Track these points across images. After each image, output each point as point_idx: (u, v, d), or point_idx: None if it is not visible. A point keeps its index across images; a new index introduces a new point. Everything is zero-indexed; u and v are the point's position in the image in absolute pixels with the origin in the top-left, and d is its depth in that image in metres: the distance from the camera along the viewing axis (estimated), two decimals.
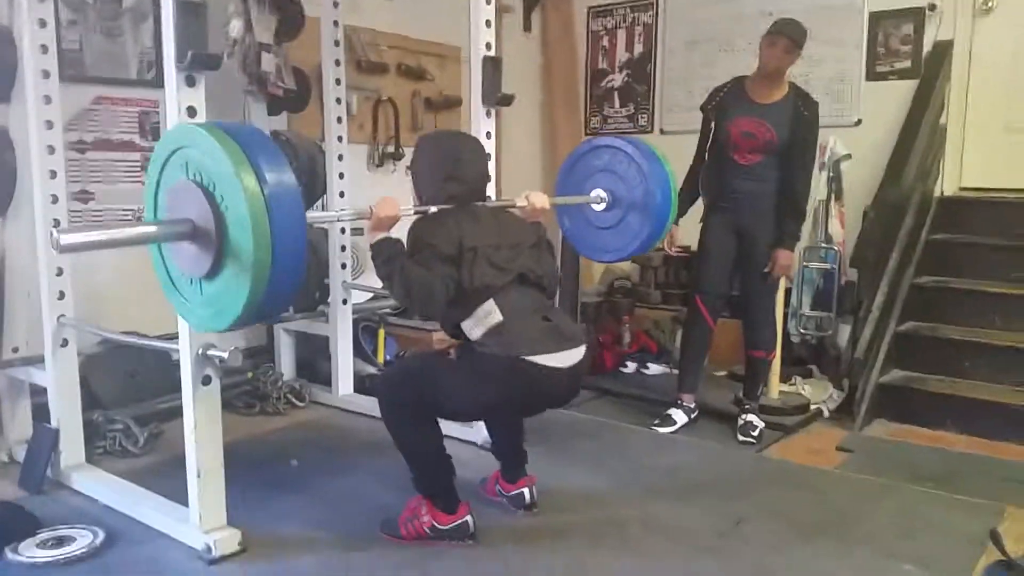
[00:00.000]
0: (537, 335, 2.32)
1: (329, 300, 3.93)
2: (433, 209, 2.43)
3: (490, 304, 2.31)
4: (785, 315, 4.12)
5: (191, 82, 2.23)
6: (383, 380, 2.75)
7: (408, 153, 4.71)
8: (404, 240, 2.37)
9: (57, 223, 2.85)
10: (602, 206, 3.10)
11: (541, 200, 2.69)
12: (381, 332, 4.36)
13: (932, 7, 4.58)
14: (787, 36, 3.39)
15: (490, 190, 2.72)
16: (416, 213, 2.45)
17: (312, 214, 2.04)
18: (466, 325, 2.33)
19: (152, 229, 2.00)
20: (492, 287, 2.33)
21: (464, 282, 2.29)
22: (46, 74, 2.82)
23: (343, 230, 3.85)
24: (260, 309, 1.90)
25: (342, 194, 3.82)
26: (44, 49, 2.82)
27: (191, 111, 2.23)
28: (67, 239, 1.85)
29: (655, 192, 2.98)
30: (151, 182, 2.07)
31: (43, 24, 2.82)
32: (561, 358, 2.31)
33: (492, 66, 3.07)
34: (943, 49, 4.61)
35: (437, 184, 2.47)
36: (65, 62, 3.30)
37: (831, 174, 4.30)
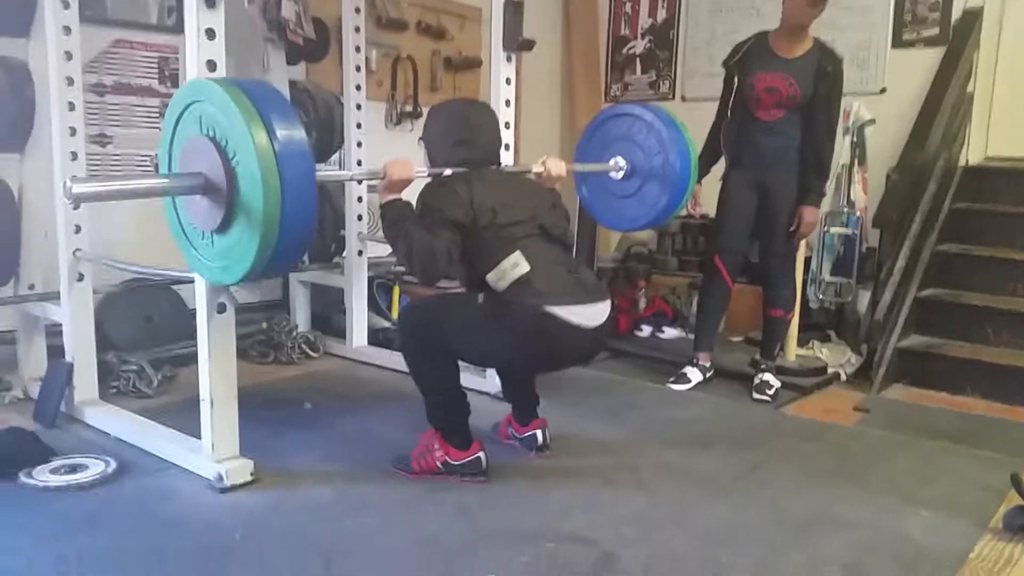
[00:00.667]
0: (563, 287, 2.29)
1: (344, 252, 3.91)
2: (447, 172, 2.40)
3: (517, 255, 2.28)
4: (805, 281, 4.07)
5: (211, 4, 2.20)
6: (406, 312, 2.74)
7: (426, 112, 4.69)
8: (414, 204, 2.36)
9: (75, 156, 2.84)
10: (620, 174, 3.07)
11: (558, 167, 2.65)
12: (396, 288, 4.35)
13: None
14: None
15: (507, 158, 2.69)
16: (429, 175, 2.43)
17: (324, 172, 2.05)
18: (491, 277, 2.30)
19: (165, 182, 2.03)
20: (516, 239, 2.30)
21: (486, 237, 2.28)
22: (66, 4, 2.80)
23: (359, 181, 3.82)
24: (269, 264, 1.93)
25: (359, 144, 3.80)
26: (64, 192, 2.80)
27: (211, 65, 2.19)
28: (80, 188, 1.87)
29: (675, 161, 2.95)
30: (166, 135, 2.08)
31: None
32: (587, 314, 2.29)
33: (513, 10, 3.04)
34: (973, 16, 4.53)
35: (447, 150, 2.45)
36: (85, 2, 3.30)
37: (855, 139, 4.24)
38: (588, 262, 4.53)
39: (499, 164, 2.57)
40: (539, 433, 2.67)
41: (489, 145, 2.51)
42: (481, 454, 2.44)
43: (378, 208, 2.39)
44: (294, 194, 1.85)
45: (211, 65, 2.19)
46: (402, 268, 4.36)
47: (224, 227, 1.94)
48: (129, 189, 2.18)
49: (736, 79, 3.51)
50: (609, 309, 2.38)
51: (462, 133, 2.45)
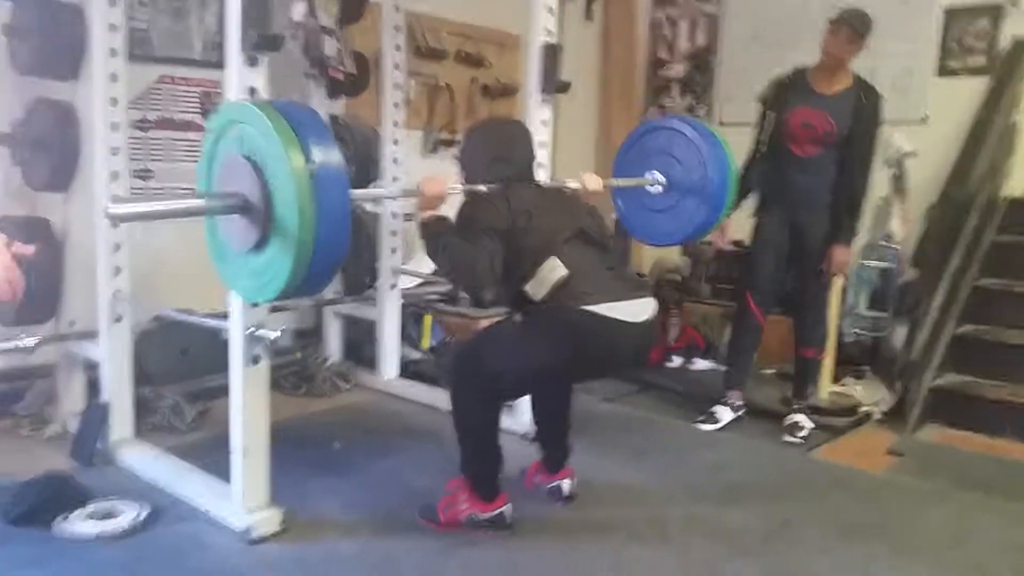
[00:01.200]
0: (602, 286, 2.30)
1: (378, 284, 3.95)
2: (482, 188, 2.42)
3: (553, 260, 2.29)
4: (840, 314, 4.02)
5: (253, 62, 2.26)
6: (455, 353, 2.76)
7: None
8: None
9: (116, 175, 2.91)
10: (658, 189, 3.04)
11: (594, 182, 2.67)
12: (427, 318, 4.38)
13: (1014, 2, 4.39)
14: (849, 25, 3.30)
15: (543, 176, 2.70)
16: (464, 192, 2.45)
17: (358, 191, 2.06)
18: (530, 287, 2.31)
19: (203, 203, 2.03)
20: (553, 244, 2.32)
21: (524, 243, 2.29)
22: (113, 52, 2.88)
23: (393, 214, 3.86)
24: (302, 285, 1.94)
25: (395, 179, 3.83)
26: (113, 28, 2.88)
27: (252, 92, 2.26)
28: (118, 210, 1.89)
29: (713, 176, 2.91)
30: (205, 154, 2.09)
31: (113, 3, 2.87)
32: (631, 310, 2.29)
33: (550, 53, 3.05)
34: (1021, 46, 4.44)
35: (484, 167, 2.48)
36: (132, 41, 3.39)
37: (895, 171, 4.18)
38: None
39: (534, 181, 2.58)
40: (565, 484, 2.67)
41: (524, 162, 2.54)
42: (506, 508, 2.45)
43: (417, 227, 2.40)
44: (329, 218, 1.85)
45: (252, 93, 2.27)
46: (434, 296, 4.42)
47: (259, 247, 1.94)
48: (167, 210, 2.17)
49: (773, 114, 3.48)
50: (655, 305, 2.38)
51: (499, 151, 2.49)
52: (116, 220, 1.93)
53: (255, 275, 2.00)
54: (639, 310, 2.32)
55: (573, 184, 2.66)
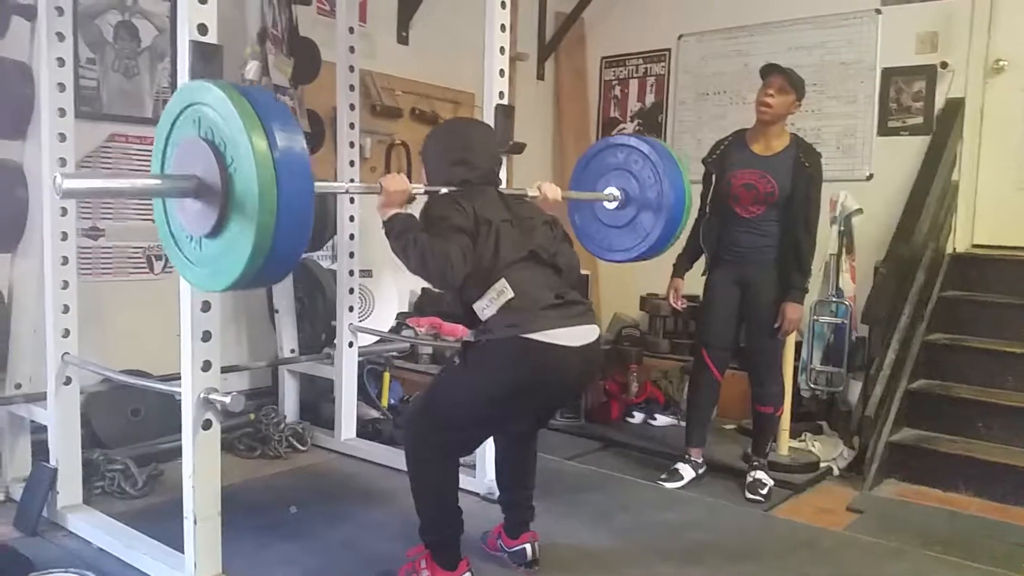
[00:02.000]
0: (546, 312, 2.28)
1: (335, 342, 3.90)
2: (444, 190, 2.40)
3: (502, 283, 2.29)
4: (795, 369, 4.07)
5: None
6: (408, 410, 2.72)
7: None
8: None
9: (66, 260, 2.85)
10: (614, 204, 3.05)
11: (554, 191, 2.69)
12: (386, 375, 4.33)
13: (944, 65, 4.59)
14: (782, 73, 3.39)
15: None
16: (426, 192, 2.42)
17: (319, 183, 1.97)
18: (479, 306, 2.31)
19: (157, 182, 1.95)
20: (505, 264, 2.31)
21: (480, 255, 2.27)
22: (62, 112, 2.84)
23: (351, 272, 3.83)
24: (259, 274, 1.85)
25: (352, 236, 3.81)
26: (61, 87, 2.85)
27: None
28: (70, 184, 1.78)
29: (669, 193, 2.93)
30: (160, 135, 2.00)
31: (61, 63, 2.84)
32: (571, 335, 2.27)
33: (504, 114, 3.08)
34: (955, 106, 4.62)
35: (446, 169, 2.45)
36: (81, 99, 3.35)
37: (842, 228, 4.29)
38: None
39: (497, 185, 2.57)
40: (529, 547, 2.61)
41: (488, 166, 2.52)
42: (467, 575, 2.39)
43: (382, 225, 2.33)
44: (291, 203, 1.77)
45: None
46: (393, 353, 4.37)
47: (215, 232, 1.85)
48: (119, 188, 2.11)
49: (714, 176, 3.55)
50: (597, 332, 2.38)
51: (462, 153, 2.46)
52: (67, 195, 1.80)
53: (210, 262, 1.91)
54: (580, 334, 2.30)
55: (533, 192, 2.67)
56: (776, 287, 3.46)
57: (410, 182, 2.36)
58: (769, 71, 3.44)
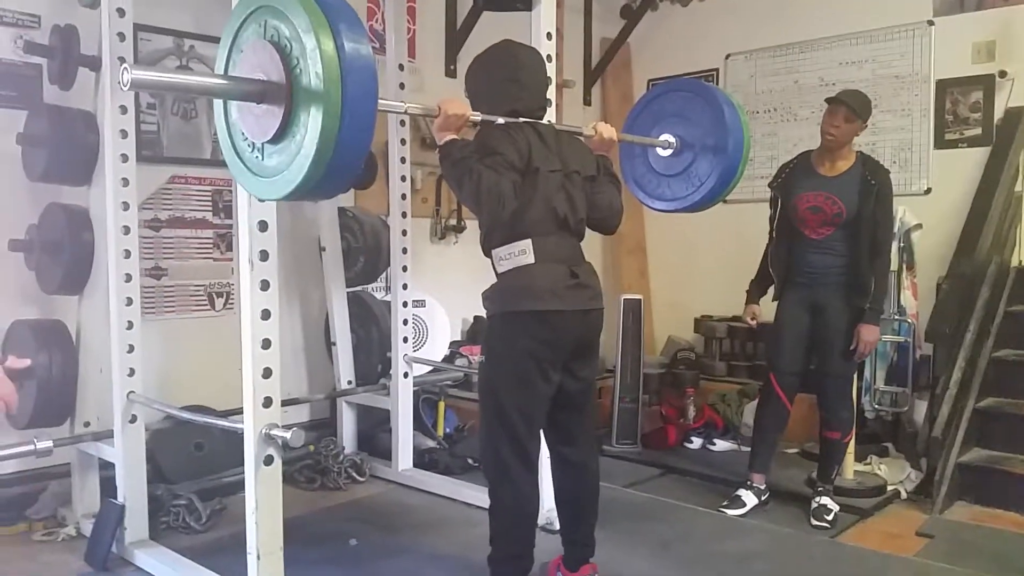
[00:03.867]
0: (558, 288, 2.36)
1: (391, 373, 3.93)
2: (500, 121, 2.38)
3: (526, 243, 2.35)
4: (859, 390, 3.97)
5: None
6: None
7: (469, 225, 4.77)
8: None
9: (130, 301, 2.94)
10: (668, 152, 3.01)
11: (609, 131, 2.68)
12: (441, 404, 4.35)
13: (1003, 74, 4.48)
14: (845, 105, 3.34)
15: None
16: (483, 120, 2.39)
17: (381, 101, 1.94)
18: (498, 252, 2.40)
19: (223, 83, 1.90)
20: (535, 225, 2.36)
21: (519, 200, 2.31)
22: (125, 158, 2.94)
23: (405, 303, 3.87)
24: (319, 183, 1.81)
25: (405, 268, 3.85)
26: (124, 134, 2.95)
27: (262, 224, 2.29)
28: (137, 75, 1.76)
29: (727, 140, 2.86)
30: (225, 43, 1.97)
31: (124, 111, 2.95)
32: (575, 305, 2.40)
33: None
34: (1016, 116, 4.49)
35: (496, 87, 2.44)
36: (142, 143, 3.46)
37: (902, 244, 4.19)
38: (634, 366, 4.48)
39: (546, 110, 2.56)
40: None
41: (538, 88, 2.51)
42: None
43: (437, 150, 2.35)
44: (355, 105, 1.73)
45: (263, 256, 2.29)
46: (448, 382, 4.39)
47: (278, 137, 1.82)
48: (186, 84, 2.10)
49: (780, 200, 3.51)
50: (601, 306, 2.51)
51: (513, 72, 2.44)
52: (133, 86, 1.80)
53: (270, 170, 1.88)
54: (586, 305, 2.44)
55: (588, 132, 2.65)
56: (849, 309, 3.39)
57: None
58: (834, 102, 3.38)
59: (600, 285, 2.55)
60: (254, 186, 1.99)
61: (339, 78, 1.71)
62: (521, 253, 2.35)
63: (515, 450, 2.43)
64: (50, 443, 2.74)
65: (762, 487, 3.57)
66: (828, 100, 3.43)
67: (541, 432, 2.57)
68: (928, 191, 4.74)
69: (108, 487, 3.13)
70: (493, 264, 2.46)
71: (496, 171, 2.24)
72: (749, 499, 3.52)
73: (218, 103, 2.00)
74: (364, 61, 1.76)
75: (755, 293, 3.67)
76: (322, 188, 1.86)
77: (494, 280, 2.47)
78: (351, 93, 1.72)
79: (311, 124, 1.74)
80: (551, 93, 3.06)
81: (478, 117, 2.37)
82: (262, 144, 1.88)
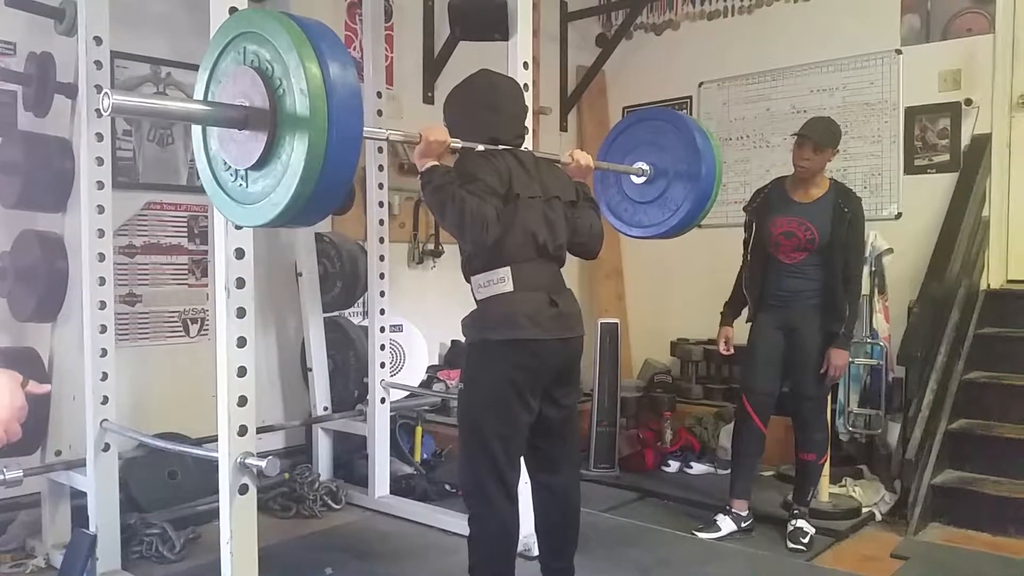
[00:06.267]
0: (538, 317, 2.35)
1: (368, 398, 3.92)
2: (480, 147, 2.39)
3: (505, 271, 2.35)
4: (833, 412, 4.01)
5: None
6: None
7: (447, 250, 4.79)
8: None
9: (104, 328, 2.92)
10: (643, 179, 3.05)
11: (586, 158, 2.68)
12: (418, 430, 4.33)
13: (968, 102, 4.58)
14: (811, 139, 3.40)
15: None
16: (464, 146, 2.40)
17: (365, 129, 1.92)
18: (477, 280, 2.39)
19: (206, 108, 1.89)
20: (514, 252, 2.36)
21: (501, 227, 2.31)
22: (100, 185, 2.93)
23: (382, 328, 3.86)
24: (304, 209, 1.80)
25: (382, 293, 3.85)
26: (100, 161, 2.94)
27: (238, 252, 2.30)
28: (118, 100, 1.75)
29: (699, 166, 2.91)
30: (204, 71, 1.96)
31: (100, 138, 2.95)
32: (557, 334, 2.40)
33: None
34: (981, 143, 4.59)
35: (474, 116, 2.44)
36: (118, 170, 3.45)
37: (873, 268, 4.25)
38: (611, 389, 4.50)
39: (524, 137, 2.57)
40: None
41: (516, 115, 2.51)
42: None
43: (420, 176, 2.34)
44: (340, 124, 1.72)
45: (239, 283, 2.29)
46: (425, 407, 4.38)
47: (262, 162, 1.81)
48: (167, 109, 2.09)
49: (755, 224, 3.56)
50: (581, 333, 2.51)
51: (490, 99, 2.45)
52: (114, 111, 1.77)
53: (254, 197, 1.86)
54: (567, 333, 2.43)
55: (565, 159, 2.66)
56: (821, 333, 3.44)
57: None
58: (803, 136, 3.44)
59: (580, 312, 2.55)
60: (239, 215, 1.98)
61: (324, 93, 1.72)
62: (500, 281, 2.36)
63: (495, 479, 2.41)
64: (20, 472, 2.72)
65: (743, 513, 3.57)
66: (795, 135, 3.50)
67: (521, 460, 2.56)
68: (899, 216, 4.83)
69: (79, 516, 3.08)
70: (472, 291, 2.46)
71: (479, 197, 2.25)
72: (725, 524, 3.52)
73: (198, 136, 1.99)
74: (349, 81, 1.77)
75: (729, 315, 3.72)
76: (309, 210, 1.84)
77: (472, 306, 2.48)
78: (337, 106, 1.73)
79: (297, 143, 1.74)
80: (528, 120, 3.11)
81: (459, 144, 2.39)
82: (246, 171, 1.87)
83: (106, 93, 1.74)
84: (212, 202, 2.03)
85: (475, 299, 2.45)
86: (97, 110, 2.91)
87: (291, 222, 1.89)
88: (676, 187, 2.99)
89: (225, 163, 1.92)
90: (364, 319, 4.29)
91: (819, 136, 3.41)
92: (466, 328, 2.46)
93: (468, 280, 2.47)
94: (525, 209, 2.38)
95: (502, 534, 2.44)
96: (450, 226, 2.28)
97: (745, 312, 3.67)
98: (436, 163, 2.32)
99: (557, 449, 2.58)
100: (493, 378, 2.38)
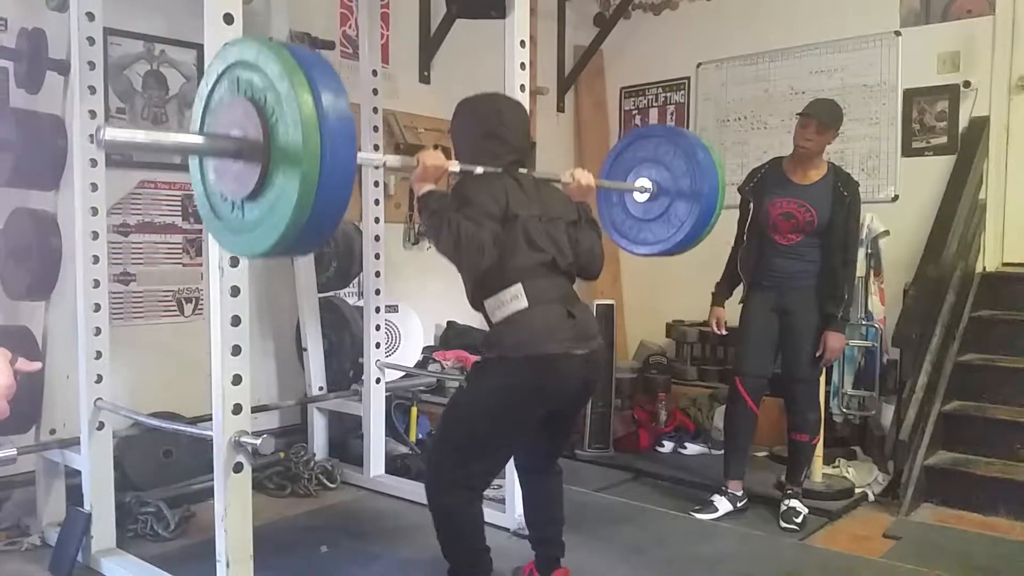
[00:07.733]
0: (556, 331, 2.30)
1: (363, 379, 3.92)
2: (479, 170, 2.38)
3: (517, 288, 2.30)
4: (827, 394, 4.02)
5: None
6: (426, 453, 2.71)
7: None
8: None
9: (98, 307, 2.91)
10: (646, 196, 3.02)
11: (587, 178, 2.62)
12: (414, 410, 4.34)
13: (967, 84, 4.57)
14: (816, 118, 3.39)
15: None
16: (462, 169, 2.38)
17: (359, 154, 1.92)
18: (489, 303, 2.33)
19: (199, 140, 1.90)
20: (523, 269, 2.31)
21: (503, 249, 2.27)
22: (93, 163, 2.90)
23: (377, 309, 3.86)
24: (299, 236, 1.79)
25: (378, 273, 3.84)
26: (92, 139, 2.91)
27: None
28: (112, 135, 1.76)
29: (703, 181, 2.89)
30: (200, 99, 1.97)
31: (93, 115, 2.91)
32: (576, 347, 2.32)
33: None
34: (980, 125, 4.58)
35: (477, 142, 2.42)
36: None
37: (869, 250, 4.26)
38: (606, 371, 4.51)
39: (527, 161, 2.53)
40: None
41: (519, 141, 2.48)
42: None
43: (416, 201, 2.34)
44: (334, 158, 1.71)
45: (233, 261, 2.24)
46: (420, 387, 4.38)
47: (257, 192, 1.79)
48: (162, 143, 2.08)
49: (752, 204, 3.55)
50: (601, 342, 2.44)
51: (494, 126, 2.42)
52: (108, 146, 1.77)
53: (250, 227, 1.86)
54: (586, 346, 2.35)
55: (566, 179, 2.62)
56: (816, 315, 3.44)
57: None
58: (808, 115, 3.43)
59: (597, 324, 2.50)
60: (235, 245, 1.99)
61: (316, 121, 1.70)
62: (513, 299, 2.29)
63: (471, 483, 2.41)
64: (14, 451, 2.73)
65: (739, 493, 3.60)
66: (799, 114, 3.48)
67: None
68: (896, 198, 4.82)
69: (74, 495, 3.08)
70: (487, 317, 2.38)
71: (475, 221, 2.22)
72: (722, 505, 3.55)
73: (195, 167, 2.00)
74: (342, 109, 1.75)
75: (721, 295, 3.72)
76: (304, 238, 1.83)
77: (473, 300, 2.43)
78: (330, 135, 1.71)
79: (291, 173, 1.73)
80: (525, 101, 3.08)
81: (456, 168, 2.38)
82: (242, 201, 1.87)
83: (99, 127, 1.75)
84: (208, 231, 2.04)
85: (489, 324, 2.38)
86: (91, 87, 2.89)
87: (287, 251, 1.89)
88: (680, 203, 2.96)
89: (222, 195, 1.93)
90: (359, 299, 4.28)
91: (824, 116, 3.40)
92: (484, 347, 2.39)
93: (479, 308, 2.41)
94: (526, 227, 2.34)
95: (466, 524, 2.43)
96: (446, 250, 2.25)
97: (737, 293, 3.66)
98: (433, 187, 2.31)
99: (553, 448, 2.63)
100: (505, 392, 2.32)
